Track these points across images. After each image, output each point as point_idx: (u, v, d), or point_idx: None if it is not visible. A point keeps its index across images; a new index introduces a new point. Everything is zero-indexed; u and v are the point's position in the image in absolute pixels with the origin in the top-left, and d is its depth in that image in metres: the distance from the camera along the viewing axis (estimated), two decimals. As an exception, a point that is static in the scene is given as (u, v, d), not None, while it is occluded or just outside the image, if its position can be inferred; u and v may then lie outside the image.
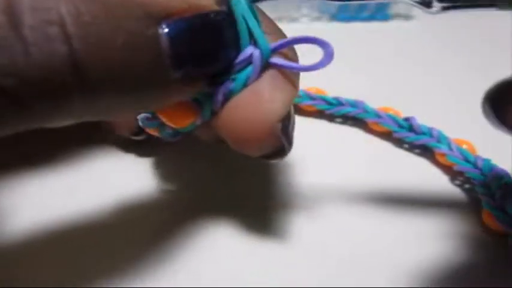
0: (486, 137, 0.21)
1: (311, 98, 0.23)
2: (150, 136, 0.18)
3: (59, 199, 0.19)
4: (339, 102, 0.22)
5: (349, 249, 0.17)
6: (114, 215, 0.18)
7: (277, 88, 0.14)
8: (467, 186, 0.20)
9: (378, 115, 0.22)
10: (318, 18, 0.30)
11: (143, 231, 0.18)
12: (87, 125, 0.20)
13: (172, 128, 0.15)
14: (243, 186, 0.20)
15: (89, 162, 0.20)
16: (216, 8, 0.13)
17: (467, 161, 0.20)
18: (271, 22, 0.15)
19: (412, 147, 0.22)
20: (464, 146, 0.20)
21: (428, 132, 0.21)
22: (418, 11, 0.31)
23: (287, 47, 0.14)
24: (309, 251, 0.17)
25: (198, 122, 0.14)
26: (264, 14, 0.14)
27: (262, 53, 0.13)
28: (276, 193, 0.19)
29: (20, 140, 0.20)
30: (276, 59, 0.14)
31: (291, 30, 0.15)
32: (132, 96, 0.12)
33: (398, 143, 0.22)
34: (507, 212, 0.17)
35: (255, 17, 0.13)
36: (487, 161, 0.19)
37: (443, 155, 0.20)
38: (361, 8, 0.30)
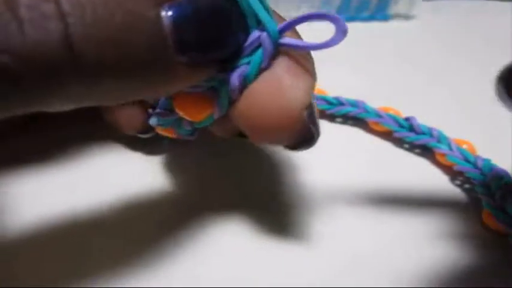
0: (486, 137, 0.21)
1: (311, 98, 0.23)
2: (156, 134, 0.17)
3: (60, 196, 0.19)
4: (339, 102, 0.23)
5: (349, 249, 0.17)
6: (116, 212, 0.18)
7: (296, 75, 0.13)
8: (467, 186, 0.20)
9: (378, 115, 0.22)
10: (318, 18, 0.31)
11: (146, 229, 0.18)
12: (91, 121, 0.21)
13: (189, 123, 0.15)
14: (246, 184, 0.20)
15: (91, 159, 0.20)
16: None
17: (467, 161, 0.20)
18: (274, 12, 0.14)
19: (412, 147, 0.22)
20: (464, 146, 0.20)
21: (429, 132, 0.21)
22: (418, 11, 0.31)
23: (295, 26, 0.13)
24: (309, 251, 0.17)
25: (216, 114, 0.14)
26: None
27: (270, 34, 0.13)
28: (277, 193, 0.19)
29: (21, 136, 0.20)
30: (286, 39, 0.13)
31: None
32: (132, 80, 0.11)
33: (399, 142, 0.22)
34: (507, 212, 0.17)
35: (261, 1, 0.13)
36: (487, 161, 0.19)
37: (444, 155, 0.20)
38: (361, 8, 0.30)
